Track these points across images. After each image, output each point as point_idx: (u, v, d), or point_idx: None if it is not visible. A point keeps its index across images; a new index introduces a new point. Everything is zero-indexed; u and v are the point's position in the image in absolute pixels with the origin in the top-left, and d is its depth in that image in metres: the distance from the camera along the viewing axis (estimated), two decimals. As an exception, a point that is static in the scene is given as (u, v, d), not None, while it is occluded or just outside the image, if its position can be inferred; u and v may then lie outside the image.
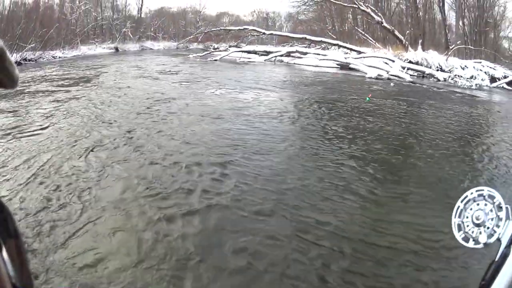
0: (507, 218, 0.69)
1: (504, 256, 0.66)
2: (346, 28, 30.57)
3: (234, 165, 4.97)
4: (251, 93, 10.89)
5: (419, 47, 20.57)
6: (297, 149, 5.81)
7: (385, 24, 22.59)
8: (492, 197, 0.73)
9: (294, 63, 22.41)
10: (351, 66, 19.68)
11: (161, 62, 20.82)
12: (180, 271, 2.78)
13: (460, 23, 27.14)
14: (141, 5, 44.13)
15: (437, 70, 19.12)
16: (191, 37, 34.97)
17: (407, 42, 21.19)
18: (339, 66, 20.50)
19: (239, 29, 28.74)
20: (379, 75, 17.19)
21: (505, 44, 31.23)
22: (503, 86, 21.18)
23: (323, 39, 24.85)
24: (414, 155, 6.09)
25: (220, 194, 4.06)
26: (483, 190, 0.75)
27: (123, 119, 7.29)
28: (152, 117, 7.56)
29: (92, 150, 5.36)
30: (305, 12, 34.90)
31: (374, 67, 18.20)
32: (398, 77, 17.17)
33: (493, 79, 20.99)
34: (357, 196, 4.20)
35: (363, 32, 26.08)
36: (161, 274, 2.73)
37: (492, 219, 0.71)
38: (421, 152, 6.23)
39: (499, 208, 0.71)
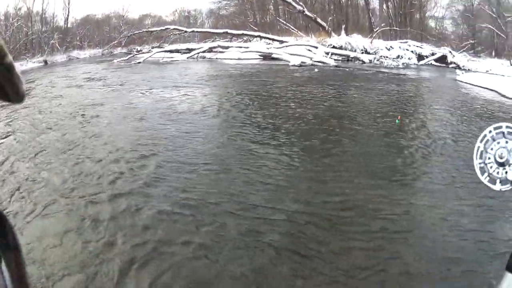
0: None
1: None
2: (268, 19, 30.96)
3: (155, 157, 5.29)
4: (175, 92, 10.99)
5: (343, 32, 20.94)
6: (220, 138, 6.17)
7: (307, 12, 22.92)
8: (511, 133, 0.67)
9: (217, 58, 22.40)
10: (273, 56, 19.59)
11: (87, 70, 20.50)
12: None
13: (384, 6, 27.96)
14: (67, 15, 42.91)
15: (362, 52, 19.60)
16: (115, 42, 34.63)
17: (330, 29, 21.56)
18: (262, 57, 20.49)
19: (161, 29, 28.93)
20: (302, 62, 17.16)
21: (432, 23, 32.92)
22: (431, 63, 22.24)
23: (245, 32, 24.97)
24: (342, 134, 6.52)
25: (136, 181, 4.49)
26: (501, 127, 0.71)
27: (57, 126, 7.52)
28: (83, 122, 7.75)
29: (36, 153, 5.74)
30: (226, 7, 35.45)
31: (297, 55, 18.21)
32: (323, 62, 17.26)
33: (420, 57, 21.89)
34: (287, 176, 4.60)
35: (284, 22, 26.38)
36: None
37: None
38: (349, 130, 6.75)
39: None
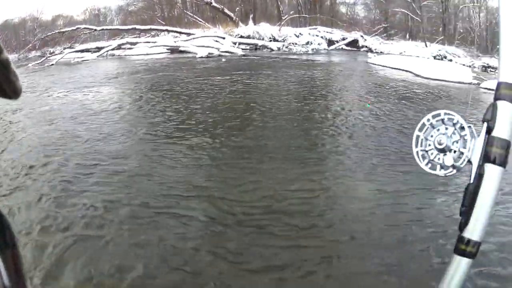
0: (472, 137, 0.69)
1: (479, 177, 0.67)
2: (176, 13, 31.21)
3: (59, 158, 5.22)
4: (85, 92, 10.89)
5: (250, 21, 21.51)
6: (132, 136, 6.16)
7: (214, 3, 23.29)
8: (451, 119, 0.73)
9: (126, 55, 22.30)
10: (181, 49, 19.64)
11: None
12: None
13: None
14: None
15: (270, 40, 20.10)
16: (29, 46, 33.54)
17: (237, 19, 22.10)
18: (169, 51, 20.58)
19: (72, 29, 28.22)
20: (209, 53, 17.31)
21: (343, 9, 34.39)
22: (342, 48, 23.24)
23: (152, 27, 24.99)
24: (253, 121, 6.75)
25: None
26: (439, 114, 0.75)
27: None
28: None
29: None
30: (134, 3, 35.40)
31: (204, 46, 18.35)
32: (230, 52, 17.53)
33: (331, 42, 22.74)
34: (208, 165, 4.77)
35: (192, 15, 26.60)
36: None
37: (456, 142, 0.71)
38: (260, 116, 7.02)
39: (461, 129, 0.71)
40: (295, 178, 4.31)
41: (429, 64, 20.44)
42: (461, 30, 42.44)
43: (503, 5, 0.72)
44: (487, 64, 28.41)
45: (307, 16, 25.14)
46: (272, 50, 19.23)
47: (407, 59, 21.03)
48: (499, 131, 0.68)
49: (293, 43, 19.83)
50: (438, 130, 0.74)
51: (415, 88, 12.44)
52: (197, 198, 3.87)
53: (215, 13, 24.81)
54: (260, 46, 19.58)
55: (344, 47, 23.64)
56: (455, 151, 0.71)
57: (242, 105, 8.01)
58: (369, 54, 22.17)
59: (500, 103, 0.68)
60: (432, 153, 0.74)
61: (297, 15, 25.07)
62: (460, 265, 0.70)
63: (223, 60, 16.09)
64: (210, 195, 3.95)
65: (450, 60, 28.61)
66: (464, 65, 26.56)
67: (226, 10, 22.69)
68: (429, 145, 0.74)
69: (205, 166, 4.75)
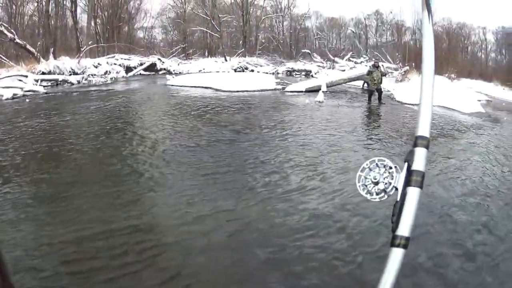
0: (397, 172, 1.01)
1: (403, 196, 0.96)
2: None
3: None
4: None
5: (51, 56, 23.59)
6: None
7: (17, 40, 24.49)
8: (382, 161, 1.05)
9: None
10: None
11: None
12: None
13: (92, 23, 31.72)
14: None
15: (70, 74, 22.28)
16: None
17: (38, 54, 23.77)
18: None
19: None
20: (14, 94, 18.38)
21: (140, 34, 38.85)
22: (140, 73, 27.04)
23: None
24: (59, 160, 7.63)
25: None
26: (374, 160, 1.06)
27: None
28: None
29: None
30: None
31: (9, 87, 19.21)
32: (33, 91, 19.14)
33: (129, 69, 26.42)
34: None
35: None
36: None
37: (386, 177, 1.02)
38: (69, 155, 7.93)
39: (390, 168, 1.02)
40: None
41: (229, 77, 23.88)
42: (263, 40, 49.52)
43: (425, 73, 1.11)
44: (292, 69, 34.65)
45: (105, 45, 28.30)
46: (72, 84, 21.12)
47: (206, 76, 24.42)
48: (417, 166, 0.98)
49: (92, 75, 22.46)
50: (374, 171, 1.04)
51: (213, 102, 14.98)
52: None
53: (18, 50, 25.61)
54: (61, 81, 21.32)
55: (143, 72, 27.23)
56: (385, 183, 1.01)
57: (45, 144, 8.74)
58: (168, 76, 25.23)
59: (417, 149, 1.00)
60: (370, 186, 1.03)
61: (96, 45, 27.85)
62: (396, 256, 0.94)
63: (27, 100, 16.75)
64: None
65: (252, 71, 33.67)
66: (267, 73, 31.09)
67: (28, 46, 23.99)
68: (368, 180, 1.04)
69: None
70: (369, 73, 17.42)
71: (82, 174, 6.79)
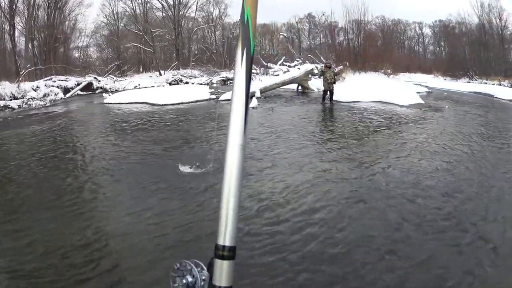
0: (201, 270, 1.02)
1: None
2: None
3: None
4: None
5: None
6: None
7: None
8: (185, 266, 1.04)
9: None
10: None
11: None
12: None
13: (30, 46, 32.37)
14: None
15: (11, 99, 22.68)
16: None
17: None
18: None
19: None
20: None
21: (76, 54, 40.11)
22: (78, 94, 27.99)
23: None
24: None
25: None
26: (176, 265, 1.05)
27: None
28: None
29: None
30: None
31: None
32: None
33: (67, 90, 27.36)
34: None
35: None
36: None
37: (193, 276, 1.02)
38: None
39: (191, 271, 1.03)
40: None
41: (164, 91, 25.06)
42: (196, 52, 51.49)
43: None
44: (226, 78, 36.40)
45: (42, 67, 29.26)
46: (13, 109, 21.13)
47: (142, 92, 25.24)
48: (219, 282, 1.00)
49: (31, 98, 22.97)
50: (183, 274, 1.04)
51: (146, 118, 15.33)
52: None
53: None
54: (2, 106, 21.27)
55: (80, 92, 28.21)
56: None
57: None
58: (104, 94, 26.15)
59: (219, 262, 0.99)
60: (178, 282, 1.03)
61: (34, 68, 28.82)
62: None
63: None
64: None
65: (187, 83, 35.29)
66: (202, 84, 33.03)
67: None
68: (179, 278, 1.04)
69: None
70: (322, 73, 18.79)
71: (26, 195, 7.05)
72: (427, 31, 59.13)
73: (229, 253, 1.01)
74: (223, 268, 1.02)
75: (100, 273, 4.36)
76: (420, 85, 27.51)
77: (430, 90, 25.26)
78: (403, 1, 68.06)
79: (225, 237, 1.01)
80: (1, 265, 4.59)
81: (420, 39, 60.84)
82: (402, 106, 17.32)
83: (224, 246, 1.01)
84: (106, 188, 7.33)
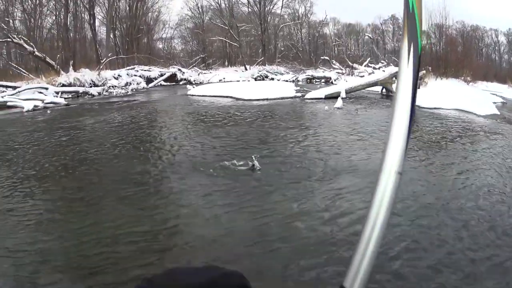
0: None
1: None
2: (1, 65, 31.52)
3: None
4: None
5: (71, 68, 23.97)
6: None
7: (37, 53, 25.03)
8: None
9: None
10: (8, 104, 20.97)
11: None
12: None
13: (111, 35, 32.33)
14: None
15: (91, 86, 22.69)
16: None
17: (58, 67, 24.24)
18: None
19: None
20: (35, 106, 18.90)
21: (160, 45, 39.44)
22: (160, 84, 27.33)
23: None
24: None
25: None
26: None
27: None
28: None
29: None
30: None
31: (30, 99, 19.93)
32: (54, 103, 19.49)
33: (150, 80, 26.69)
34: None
35: (16, 66, 27.20)
36: None
37: None
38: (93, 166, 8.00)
39: None
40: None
41: (249, 86, 24.00)
42: (282, 48, 49.97)
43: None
44: (312, 76, 34.84)
45: (124, 56, 28.71)
46: (93, 95, 21.46)
47: (227, 85, 24.55)
48: None
49: (112, 86, 22.80)
50: None
51: (232, 112, 15.06)
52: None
53: (38, 63, 26.37)
54: (81, 93, 21.69)
55: (163, 83, 27.56)
56: None
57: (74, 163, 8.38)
58: (188, 86, 25.61)
59: None
60: None
61: (115, 57, 28.24)
62: None
63: (49, 112, 17.27)
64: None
65: (272, 79, 33.82)
66: (287, 81, 31.49)
67: (48, 59, 24.45)
68: None
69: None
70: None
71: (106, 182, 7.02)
72: (502, 38, 54.35)
73: None
74: None
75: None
76: (496, 95, 25.78)
77: (505, 101, 23.76)
78: (480, 6, 62.95)
79: (354, 282, 0.83)
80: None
81: (496, 47, 55.79)
82: (480, 115, 16.24)
83: None
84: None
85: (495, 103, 20.50)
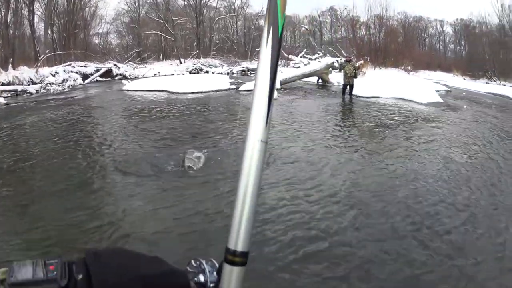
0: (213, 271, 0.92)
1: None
2: None
3: None
4: None
5: (10, 66, 23.91)
6: None
7: None
8: (199, 264, 0.97)
9: None
10: None
11: None
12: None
13: (49, 31, 32.64)
14: None
15: (29, 84, 22.72)
16: None
17: None
18: None
19: None
20: None
21: (96, 40, 40.02)
22: (96, 80, 28.05)
23: None
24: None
25: None
26: (194, 261, 0.98)
27: None
28: None
29: None
30: None
31: None
32: None
33: (86, 76, 27.41)
34: None
35: None
36: None
37: (205, 278, 0.93)
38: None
39: (204, 271, 0.95)
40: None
41: (184, 80, 24.64)
42: (217, 41, 51.06)
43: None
44: (247, 68, 36.10)
45: (61, 53, 29.33)
46: (31, 94, 21.30)
47: (161, 79, 25.04)
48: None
49: (50, 83, 23.16)
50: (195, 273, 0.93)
51: (165, 106, 15.51)
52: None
53: None
54: (20, 91, 21.39)
55: (99, 78, 28.31)
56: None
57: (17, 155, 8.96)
58: (124, 81, 26.12)
59: (224, 264, 0.88)
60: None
61: (53, 53, 28.85)
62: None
63: None
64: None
65: (207, 72, 34.91)
66: (222, 73, 32.57)
67: None
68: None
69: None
70: (342, 67, 18.51)
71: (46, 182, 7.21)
72: (448, 29, 57.75)
73: (241, 259, 0.89)
74: (232, 275, 0.90)
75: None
76: (439, 83, 26.64)
77: (449, 89, 24.53)
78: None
79: (237, 241, 0.89)
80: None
81: (441, 37, 59.46)
82: (421, 103, 17.03)
83: (235, 251, 0.89)
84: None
85: (439, 91, 21.18)
